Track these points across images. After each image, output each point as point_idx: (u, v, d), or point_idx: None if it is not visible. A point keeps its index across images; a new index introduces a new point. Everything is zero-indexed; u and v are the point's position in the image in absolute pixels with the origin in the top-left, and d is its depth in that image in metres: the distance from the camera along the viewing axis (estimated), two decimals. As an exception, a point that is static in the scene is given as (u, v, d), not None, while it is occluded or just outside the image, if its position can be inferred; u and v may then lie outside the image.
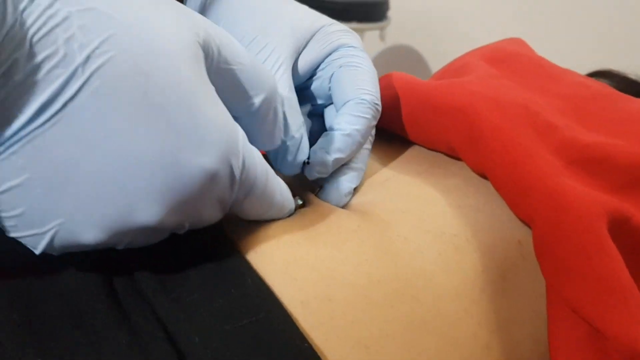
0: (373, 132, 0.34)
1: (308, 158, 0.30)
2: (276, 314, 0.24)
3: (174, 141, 0.21)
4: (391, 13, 1.68)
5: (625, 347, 0.26)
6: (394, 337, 0.25)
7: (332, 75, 0.33)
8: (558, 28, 1.45)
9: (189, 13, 0.24)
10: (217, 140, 0.22)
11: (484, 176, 0.32)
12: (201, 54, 0.23)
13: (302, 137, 0.30)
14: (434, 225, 0.30)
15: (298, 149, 0.30)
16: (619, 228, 0.29)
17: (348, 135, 0.31)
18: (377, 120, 0.32)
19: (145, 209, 0.21)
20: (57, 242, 0.22)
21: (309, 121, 0.34)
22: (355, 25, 1.56)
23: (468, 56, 0.43)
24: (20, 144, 0.20)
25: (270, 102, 0.27)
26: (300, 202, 0.30)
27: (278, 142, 0.29)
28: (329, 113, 0.34)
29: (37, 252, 0.22)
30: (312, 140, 0.32)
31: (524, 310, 0.29)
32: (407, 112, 0.36)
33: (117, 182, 0.21)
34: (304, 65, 0.33)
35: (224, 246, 0.26)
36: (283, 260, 0.26)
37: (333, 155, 0.31)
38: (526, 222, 0.30)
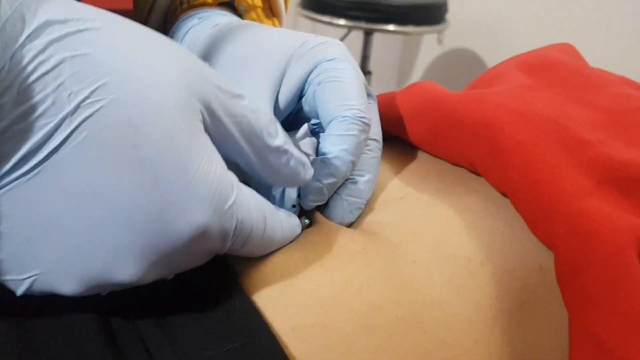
0: (380, 138, 0.32)
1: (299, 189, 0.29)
2: (262, 340, 0.23)
3: (161, 197, 0.20)
4: (450, 16, 1.64)
5: None
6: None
7: (314, 93, 0.31)
8: (617, 31, 1.38)
9: (191, 60, 0.23)
10: (207, 196, 0.21)
11: (505, 195, 0.29)
12: (197, 107, 0.22)
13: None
14: (446, 248, 0.28)
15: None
16: None
17: (336, 157, 0.29)
18: (368, 132, 0.30)
19: (125, 267, 0.21)
20: (36, 289, 0.21)
21: (314, 140, 0.32)
22: (411, 28, 1.54)
23: (504, 64, 0.41)
24: (1, 191, 0.19)
25: (279, 147, 0.25)
26: (307, 221, 0.29)
27: (302, 181, 0.27)
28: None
29: (18, 294, 0.22)
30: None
31: (543, 343, 0.27)
32: (429, 125, 0.34)
33: (98, 239, 0.20)
34: (288, 89, 0.31)
35: (218, 269, 0.25)
36: (278, 285, 0.25)
37: (325, 181, 0.29)
38: (549, 247, 0.27)
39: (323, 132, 0.31)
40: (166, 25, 0.42)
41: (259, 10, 0.40)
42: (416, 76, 2.15)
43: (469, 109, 0.31)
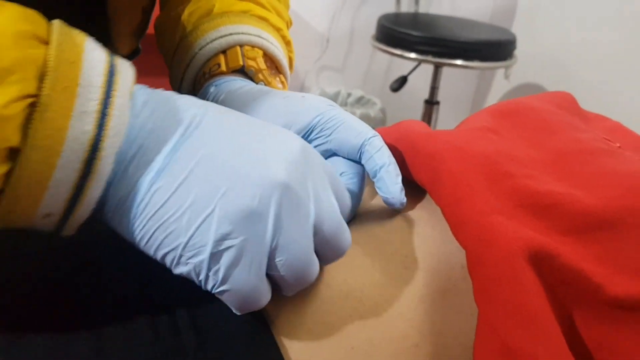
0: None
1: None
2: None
3: None
4: (519, 52, 1.70)
5: (524, 358, 0.32)
6: (336, 328, 0.34)
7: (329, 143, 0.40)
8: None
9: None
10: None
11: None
12: None
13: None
14: (391, 248, 0.37)
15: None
16: (546, 263, 0.34)
17: (391, 164, 0.39)
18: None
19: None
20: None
21: None
22: (478, 63, 1.61)
23: (483, 110, 0.50)
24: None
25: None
26: None
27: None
28: (330, 163, 0.42)
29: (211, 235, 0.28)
30: None
31: (460, 324, 0.36)
32: (401, 154, 0.43)
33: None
34: None
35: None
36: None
37: (399, 183, 0.39)
38: (464, 249, 0.36)
39: None
40: (195, 90, 0.51)
41: (265, 72, 0.48)
42: (487, 108, 2.20)
43: (423, 144, 0.41)
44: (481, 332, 0.34)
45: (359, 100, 2.17)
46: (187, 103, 0.31)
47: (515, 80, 1.96)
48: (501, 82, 2.09)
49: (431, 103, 1.84)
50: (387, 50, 1.68)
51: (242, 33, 0.49)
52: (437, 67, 1.79)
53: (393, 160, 0.39)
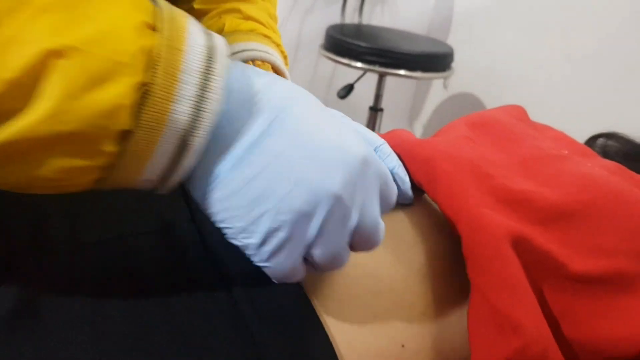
0: None
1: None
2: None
3: None
4: (456, 64, 1.83)
5: (510, 320, 0.40)
6: (359, 298, 0.41)
7: None
8: (614, 77, 1.53)
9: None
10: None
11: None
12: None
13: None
14: (398, 234, 0.45)
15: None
16: (523, 246, 0.43)
17: (400, 166, 0.47)
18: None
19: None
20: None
21: None
22: (420, 74, 1.72)
23: (458, 120, 0.59)
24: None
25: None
26: None
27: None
28: None
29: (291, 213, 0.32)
30: None
31: (456, 296, 0.44)
32: (402, 159, 0.51)
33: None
34: None
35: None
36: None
37: (408, 182, 0.47)
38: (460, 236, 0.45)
39: None
40: None
41: None
42: (425, 116, 2.33)
43: (419, 150, 0.49)
44: (474, 300, 0.42)
45: (305, 106, 2.25)
46: (274, 90, 0.34)
47: (451, 89, 2.10)
48: (438, 91, 2.23)
49: (375, 110, 1.94)
50: (335, 59, 1.77)
51: (253, 50, 0.56)
52: (382, 76, 1.89)
53: (401, 163, 0.47)
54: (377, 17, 2.25)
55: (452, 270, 0.45)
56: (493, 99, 1.95)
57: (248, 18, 0.59)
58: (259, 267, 0.36)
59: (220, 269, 0.40)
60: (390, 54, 1.70)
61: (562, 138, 0.67)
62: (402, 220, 0.47)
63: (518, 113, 0.66)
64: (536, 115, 1.72)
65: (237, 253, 0.36)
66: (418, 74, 1.71)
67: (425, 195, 0.49)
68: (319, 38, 1.89)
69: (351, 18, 2.19)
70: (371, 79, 1.91)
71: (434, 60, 1.74)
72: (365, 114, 1.97)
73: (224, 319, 0.37)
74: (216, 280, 0.40)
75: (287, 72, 0.59)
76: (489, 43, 1.95)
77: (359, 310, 0.41)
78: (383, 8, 2.24)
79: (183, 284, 0.39)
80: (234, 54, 0.55)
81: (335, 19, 2.10)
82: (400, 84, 2.16)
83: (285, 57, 0.62)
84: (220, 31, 0.57)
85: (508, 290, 0.41)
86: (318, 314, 0.39)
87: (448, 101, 2.17)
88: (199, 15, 0.59)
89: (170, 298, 0.38)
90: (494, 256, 0.42)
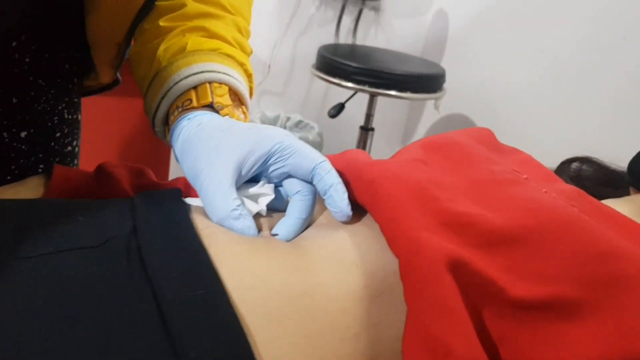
0: None
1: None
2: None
3: None
4: (448, 84, 1.83)
5: (442, 345, 0.40)
6: (291, 318, 0.41)
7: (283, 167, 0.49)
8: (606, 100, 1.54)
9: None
10: None
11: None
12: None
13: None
14: (338, 255, 0.45)
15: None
16: (461, 269, 0.42)
17: (339, 183, 0.48)
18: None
19: None
20: None
21: (271, 185, 0.50)
22: (410, 94, 1.73)
23: (413, 143, 0.59)
24: None
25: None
26: (259, 235, 0.47)
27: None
28: (287, 184, 0.50)
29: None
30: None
31: (392, 318, 0.43)
32: (347, 180, 0.51)
33: None
34: (250, 164, 0.48)
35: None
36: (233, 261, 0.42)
37: (346, 199, 0.47)
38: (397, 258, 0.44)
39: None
40: (168, 118, 0.58)
41: (230, 107, 0.56)
42: (418, 136, 2.34)
43: (366, 170, 0.49)
44: (409, 324, 0.42)
45: (298, 125, 2.26)
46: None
47: (444, 110, 2.11)
48: (431, 112, 2.24)
49: (366, 129, 1.95)
50: (326, 78, 1.78)
51: (211, 71, 0.56)
52: (373, 96, 1.90)
53: (340, 180, 0.47)
54: (371, 39, 2.26)
55: (391, 293, 0.44)
56: (486, 120, 1.96)
57: (213, 36, 0.59)
58: (193, 291, 0.37)
59: (154, 288, 0.40)
60: (380, 74, 1.71)
61: (528, 162, 0.67)
62: (343, 241, 0.47)
63: (482, 136, 0.66)
64: (526, 135, 1.73)
65: (174, 273, 0.37)
66: (408, 94, 1.72)
67: (369, 216, 0.49)
68: (312, 57, 1.90)
69: (345, 39, 2.21)
70: (363, 98, 1.92)
71: (424, 81, 1.75)
72: (356, 132, 1.98)
73: (149, 334, 0.37)
74: (148, 299, 0.40)
75: (245, 93, 0.59)
76: (482, 64, 1.96)
77: (290, 331, 0.40)
78: (377, 29, 2.26)
79: (110, 299, 0.39)
80: (193, 74, 0.56)
81: (329, 39, 2.11)
82: (393, 104, 2.17)
83: (249, 76, 0.62)
84: (182, 50, 0.57)
85: (442, 314, 0.41)
86: (247, 334, 0.39)
87: (440, 122, 2.18)
88: (164, 32, 0.59)
89: (96, 311, 0.38)
90: (429, 280, 0.41)
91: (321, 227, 0.50)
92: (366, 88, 1.72)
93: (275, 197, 0.51)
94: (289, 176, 0.50)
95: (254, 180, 0.51)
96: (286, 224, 0.48)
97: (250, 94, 0.63)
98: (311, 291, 0.43)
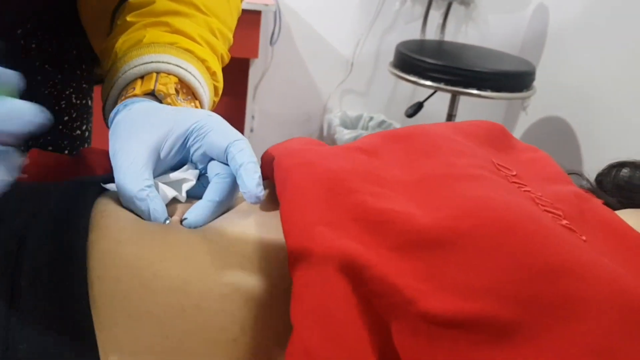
0: None
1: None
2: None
3: None
4: (538, 83, 1.69)
5: (301, 351, 0.34)
6: (155, 316, 0.37)
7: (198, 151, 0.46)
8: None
9: None
10: None
11: None
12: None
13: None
14: (236, 248, 0.40)
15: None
16: (360, 274, 0.36)
17: (250, 162, 0.43)
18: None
19: None
20: None
21: (196, 171, 0.47)
22: (493, 93, 1.61)
23: (376, 133, 0.52)
24: None
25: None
26: (168, 221, 0.43)
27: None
28: (209, 167, 0.46)
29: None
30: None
31: (285, 329, 0.38)
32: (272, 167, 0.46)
33: None
34: (169, 145, 0.46)
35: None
36: (105, 249, 0.39)
37: (256, 179, 0.43)
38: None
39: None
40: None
41: (172, 97, 0.54)
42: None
43: (283, 159, 0.44)
44: (293, 336, 0.36)
45: (381, 125, 2.19)
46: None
47: (536, 113, 1.95)
48: (525, 116, 2.08)
49: (447, 131, 1.84)
50: (402, 76, 1.70)
51: (162, 62, 0.55)
52: (455, 95, 1.79)
53: (254, 159, 0.43)
54: (462, 35, 2.14)
55: (287, 298, 0.39)
56: (581, 123, 1.78)
57: (175, 32, 0.59)
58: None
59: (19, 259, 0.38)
60: (458, 71, 1.60)
61: (536, 160, 0.58)
62: (248, 232, 0.42)
63: (483, 130, 0.57)
64: (630, 140, 1.55)
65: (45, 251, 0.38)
66: (488, 92, 1.60)
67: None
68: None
69: (434, 36, 2.11)
70: (446, 98, 1.82)
71: (507, 79, 1.61)
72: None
73: None
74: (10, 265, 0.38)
75: (197, 87, 0.57)
76: (581, 63, 1.79)
77: (147, 329, 0.36)
78: (467, 25, 2.13)
79: None
80: (142, 64, 0.54)
81: (415, 36, 2.03)
82: (489, 106, 2.03)
83: (213, 74, 0.60)
84: (138, 42, 0.56)
85: (323, 325, 0.35)
86: (96, 328, 0.36)
87: (533, 127, 2.01)
88: (129, 27, 0.59)
89: None
90: (313, 283, 0.36)
91: (238, 213, 0.45)
92: (442, 86, 1.62)
93: (202, 183, 0.47)
94: (212, 159, 0.46)
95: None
96: (196, 208, 0.44)
97: (217, 93, 0.61)
98: (185, 285, 0.38)
